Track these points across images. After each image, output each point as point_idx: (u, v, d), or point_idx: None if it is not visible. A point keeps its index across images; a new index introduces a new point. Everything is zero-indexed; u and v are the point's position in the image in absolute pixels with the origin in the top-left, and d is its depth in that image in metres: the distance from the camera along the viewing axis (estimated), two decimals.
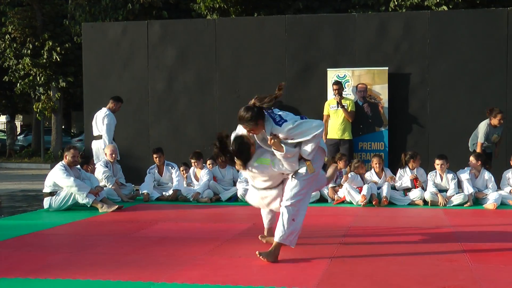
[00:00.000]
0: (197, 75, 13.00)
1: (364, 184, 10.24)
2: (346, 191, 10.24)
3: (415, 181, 10.55)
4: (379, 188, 10.23)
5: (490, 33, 11.79)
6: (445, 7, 17.23)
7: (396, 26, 12.15)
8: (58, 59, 23.77)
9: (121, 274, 5.25)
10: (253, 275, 5.28)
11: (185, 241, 6.72)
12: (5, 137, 28.21)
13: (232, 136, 6.09)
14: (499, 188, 10.46)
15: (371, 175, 10.62)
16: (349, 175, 10.38)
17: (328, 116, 11.67)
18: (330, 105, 11.67)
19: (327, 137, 11.57)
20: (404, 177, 10.62)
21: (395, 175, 10.71)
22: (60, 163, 9.84)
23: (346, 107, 11.47)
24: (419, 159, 10.71)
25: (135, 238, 7.19)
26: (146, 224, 8.25)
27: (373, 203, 9.92)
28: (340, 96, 11.50)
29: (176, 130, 12.94)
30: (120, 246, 6.66)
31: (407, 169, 10.70)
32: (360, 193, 10.03)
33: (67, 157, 9.79)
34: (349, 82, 12.02)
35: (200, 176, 11.21)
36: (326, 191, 10.56)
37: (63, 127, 29.43)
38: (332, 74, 12.06)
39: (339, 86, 11.57)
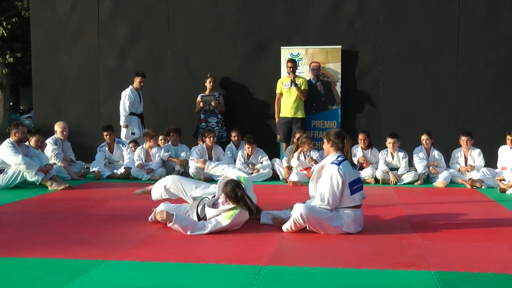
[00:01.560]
0: (149, 52, 12.90)
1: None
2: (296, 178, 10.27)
3: (363, 164, 10.67)
4: None
5: (442, 13, 11.94)
6: None
7: (349, 4, 12.20)
8: (5, 34, 23.28)
9: (71, 253, 5.22)
10: (204, 252, 5.31)
11: (137, 219, 6.70)
12: None
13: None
14: (448, 166, 10.68)
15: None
16: (294, 162, 10.41)
17: (281, 94, 11.70)
18: (283, 83, 11.69)
19: (280, 115, 11.63)
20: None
21: None
22: (7, 140, 9.70)
23: (299, 85, 11.51)
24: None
25: (85, 216, 7.14)
26: (97, 202, 8.21)
27: None
28: (294, 74, 11.55)
29: None
30: (70, 225, 6.62)
31: (359, 148, 10.83)
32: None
33: (16, 134, 9.65)
34: (303, 60, 12.07)
35: (153, 153, 11.17)
36: (280, 169, 10.66)
37: (11, 104, 28.88)
38: (286, 52, 12.09)
39: (293, 64, 11.60)
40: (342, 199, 6.01)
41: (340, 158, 6.07)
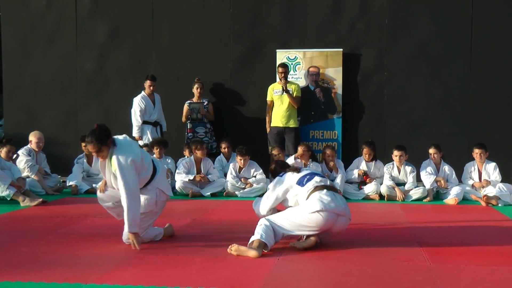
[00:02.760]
0: (131, 54, 12.90)
1: None
2: None
3: (365, 178, 10.69)
4: (332, 181, 10.35)
5: (453, 13, 11.97)
6: None
7: (351, 3, 12.24)
8: None
9: (45, 275, 5.18)
10: (192, 275, 5.29)
11: (118, 238, 6.67)
12: None
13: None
14: (460, 182, 10.68)
15: (321, 167, 10.72)
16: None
17: (272, 102, 11.72)
18: (274, 90, 11.71)
19: (271, 125, 11.64)
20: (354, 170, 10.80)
21: (348, 167, 10.88)
22: None
23: (291, 92, 11.53)
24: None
25: (61, 235, 7.11)
26: (74, 219, 8.18)
27: None
28: (285, 80, 11.57)
29: (107, 115, 12.78)
30: (44, 244, 6.58)
31: (363, 161, 10.84)
32: None
33: None
34: (300, 64, 12.10)
35: None
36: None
37: None
38: (282, 56, 12.11)
39: (285, 69, 11.63)
40: (298, 195, 6.49)
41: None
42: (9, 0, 13.53)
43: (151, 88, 11.94)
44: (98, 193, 6.83)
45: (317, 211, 6.11)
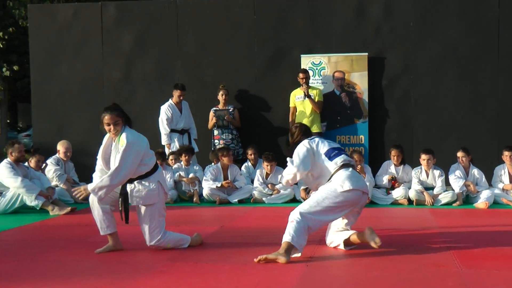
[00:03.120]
0: (157, 63, 12.94)
1: None
2: None
3: (393, 183, 10.62)
4: None
5: (480, 14, 11.87)
6: None
7: (376, 7, 12.19)
8: (1, 45, 23.49)
9: (74, 283, 5.20)
10: (220, 283, 5.27)
11: (145, 246, 6.67)
12: None
13: None
14: (490, 185, 10.56)
15: None
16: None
17: (295, 108, 11.71)
18: (296, 96, 11.71)
19: None
20: (383, 175, 10.73)
21: (377, 172, 10.80)
22: (5, 160, 9.75)
23: (312, 97, 11.51)
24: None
25: (89, 243, 7.12)
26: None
27: None
28: (307, 85, 11.54)
29: (134, 123, 12.53)
30: (73, 253, 6.61)
31: (392, 164, 10.76)
32: None
33: (12, 154, 9.71)
34: (325, 69, 12.06)
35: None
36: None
37: (8, 121, 29.12)
38: (306, 61, 12.08)
39: (306, 75, 11.64)
40: (323, 167, 6.49)
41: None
42: (36, 12, 13.67)
43: (180, 98, 11.95)
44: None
45: (349, 190, 6.22)
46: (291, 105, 11.83)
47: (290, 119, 11.86)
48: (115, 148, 6.54)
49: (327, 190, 6.30)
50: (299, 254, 6.03)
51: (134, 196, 6.48)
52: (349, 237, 6.41)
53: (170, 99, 11.97)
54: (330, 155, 6.49)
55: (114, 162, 6.46)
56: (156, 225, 6.49)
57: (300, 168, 6.44)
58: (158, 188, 6.53)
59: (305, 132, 6.86)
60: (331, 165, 6.44)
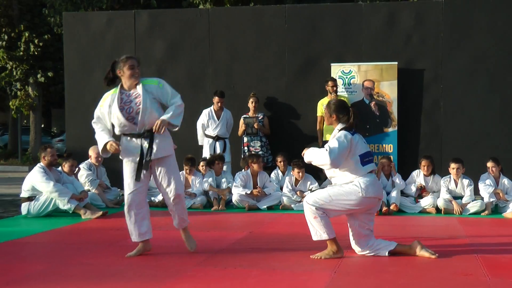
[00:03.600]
0: (188, 70, 13.00)
1: None
2: None
3: (422, 191, 10.57)
4: (388, 193, 10.27)
5: (511, 24, 11.75)
6: None
7: (406, 16, 12.15)
8: (36, 52, 23.75)
9: (105, 287, 5.25)
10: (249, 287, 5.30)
11: (175, 250, 6.72)
12: None
13: None
14: None
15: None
16: None
17: (322, 117, 11.68)
18: (324, 105, 11.65)
19: (323, 139, 11.59)
20: (412, 184, 10.68)
21: (405, 180, 10.75)
22: (38, 165, 9.85)
23: None
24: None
25: (120, 247, 7.18)
26: None
27: (382, 210, 9.90)
28: (335, 94, 11.53)
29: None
30: (105, 256, 6.68)
31: (421, 174, 10.71)
32: None
33: (45, 158, 9.80)
34: (355, 78, 12.04)
35: (193, 182, 11.20)
36: None
37: (42, 126, 29.41)
38: (336, 70, 12.08)
39: (334, 83, 11.62)
40: (352, 169, 6.43)
41: (352, 131, 6.54)
42: (71, 20, 13.81)
43: (219, 104, 12.03)
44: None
45: (370, 197, 6.37)
46: (319, 114, 11.80)
47: (317, 128, 11.85)
48: (132, 96, 6.93)
49: (349, 190, 6.36)
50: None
51: (160, 148, 6.82)
52: (394, 249, 6.51)
53: (212, 105, 12.12)
54: (363, 160, 6.46)
55: (144, 111, 6.82)
56: (180, 176, 6.84)
57: (333, 164, 6.32)
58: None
59: (339, 108, 6.61)
60: (360, 171, 6.41)
